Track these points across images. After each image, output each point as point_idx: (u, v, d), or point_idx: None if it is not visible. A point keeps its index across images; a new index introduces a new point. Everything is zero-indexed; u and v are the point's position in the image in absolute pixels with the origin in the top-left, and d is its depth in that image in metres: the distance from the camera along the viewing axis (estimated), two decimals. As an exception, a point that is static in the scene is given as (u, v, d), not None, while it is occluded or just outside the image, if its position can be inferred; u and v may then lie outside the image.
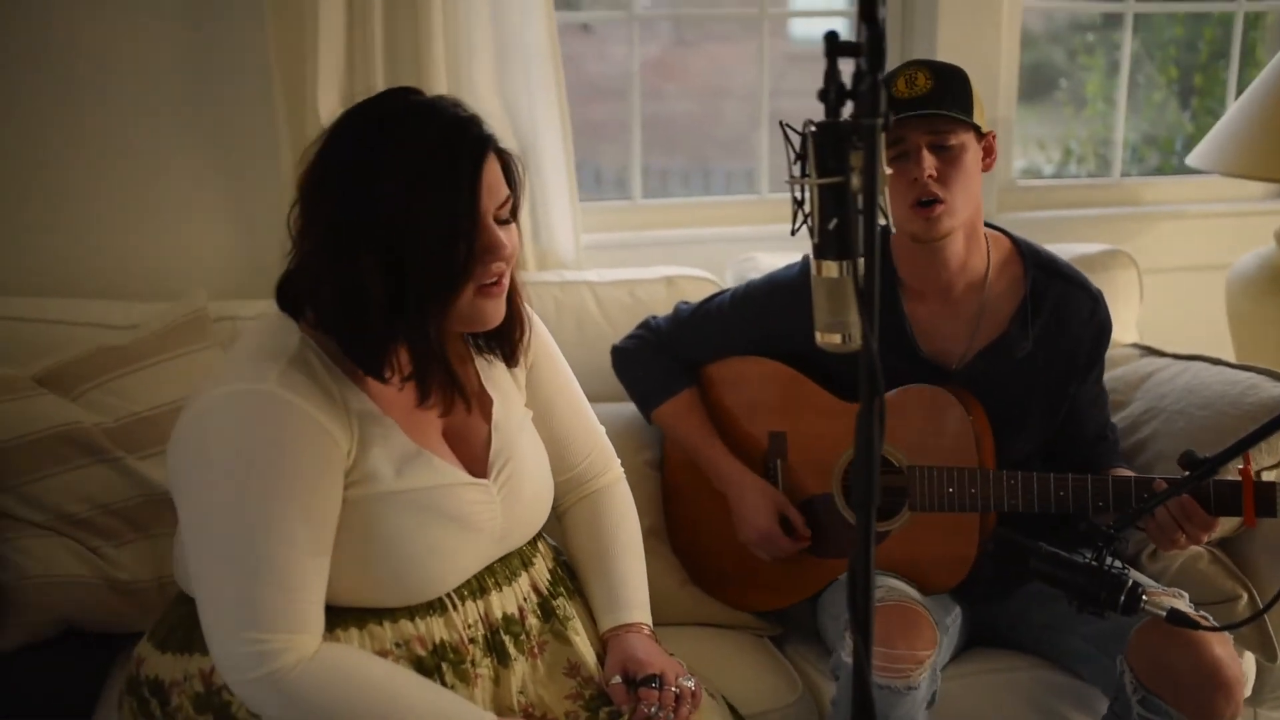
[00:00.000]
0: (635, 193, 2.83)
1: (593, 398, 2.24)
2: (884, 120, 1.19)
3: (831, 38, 1.20)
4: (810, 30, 3.28)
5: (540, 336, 1.75)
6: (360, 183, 1.43)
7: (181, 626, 1.57)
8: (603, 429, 1.87)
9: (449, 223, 1.45)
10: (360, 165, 1.44)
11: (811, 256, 1.27)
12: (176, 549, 1.64)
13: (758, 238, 2.69)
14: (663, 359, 2.19)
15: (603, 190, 3.18)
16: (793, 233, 1.36)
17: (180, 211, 2.48)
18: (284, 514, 1.41)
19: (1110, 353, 2.29)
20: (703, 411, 2.14)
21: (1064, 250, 2.43)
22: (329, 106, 2.31)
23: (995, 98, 2.84)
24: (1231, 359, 2.47)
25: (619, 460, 1.87)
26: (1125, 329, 2.53)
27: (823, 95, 1.24)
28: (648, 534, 2.13)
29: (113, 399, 2.07)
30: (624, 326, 2.31)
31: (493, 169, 1.49)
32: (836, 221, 1.28)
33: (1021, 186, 3.04)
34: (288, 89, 2.36)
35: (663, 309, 2.30)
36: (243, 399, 1.43)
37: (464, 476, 1.56)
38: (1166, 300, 2.89)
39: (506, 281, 1.54)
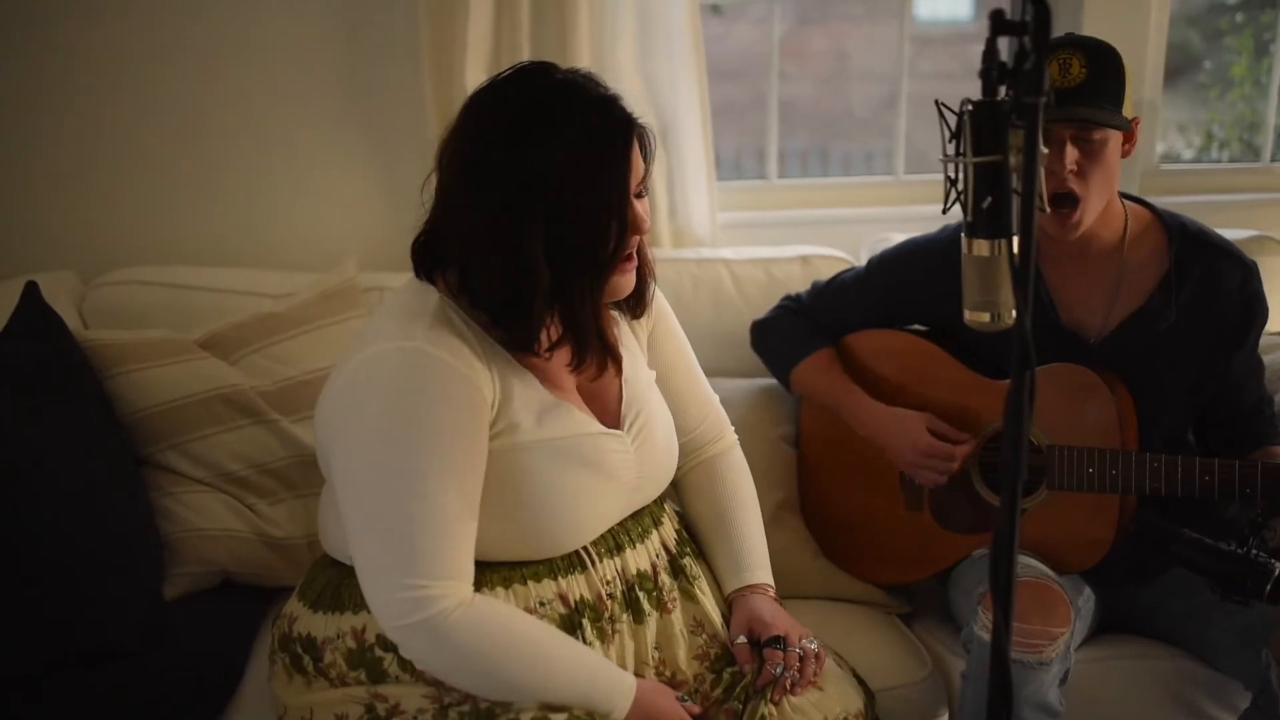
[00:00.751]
0: (771, 173, 2.85)
1: (728, 373, 2.31)
2: (1047, 99, 1.19)
3: (997, 15, 1.21)
4: (934, 11, 3.25)
5: (659, 303, 1.79)
6: (521, 168, 1.46)
7: (330, 587, 1.65)
8: (716, 397, 1.90)
9: (606, 202, 1.49)
10: (519, 149, 1.47)
11: (964, 235, 1.29)
12: (322, 509, 1.73)
13: (892, 219, 2.68)
14: (802, 324, 2.21)
15: (728, 171, 3.20)
16: (944, 210, 1.38)
17: (334, 189, 2.60)
18: (436, 463, 1.47)
19: (1263, 340, 2.25)
20: (840, 366, 2.15)
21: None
22: (476, 85, 2.37)
23: (1142, 80, 2.78)
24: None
25: (733, 428, 1.90)
26: (1275, 317, 2.46)
27: (984, 74, 1.25)
28: (781, 507, 2.17)
29: (269, 363, 2.16)
30: (759, 303, 2.34)
31: (635, 148, 1.53)
32: (991, 200, 1.29)
33: (1165, 170, 2.97)
34: (437, 72, 2.44)
35: (798, 287, 2.32)
36: (392, 356, 1.49)
37: (600, 426, 1.61)
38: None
39: (637, 255, 1.59)
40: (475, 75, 2.38)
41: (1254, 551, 1.56)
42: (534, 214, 1.47)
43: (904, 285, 2.13)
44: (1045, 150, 1.85)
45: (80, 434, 1.89)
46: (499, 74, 1.58)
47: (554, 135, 1.48)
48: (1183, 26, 3.82)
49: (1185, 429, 2.00)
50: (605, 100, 1.53)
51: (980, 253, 1.29)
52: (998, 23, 1.21)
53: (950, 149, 1.32)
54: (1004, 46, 1.24)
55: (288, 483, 2.11)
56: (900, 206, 2.78)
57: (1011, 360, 1.22)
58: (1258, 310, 1.98)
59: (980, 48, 1.25)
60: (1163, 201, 2.80)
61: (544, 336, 1.54)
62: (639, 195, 1.56)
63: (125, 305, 2.30)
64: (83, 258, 2.49)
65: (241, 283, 2.37)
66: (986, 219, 1.28)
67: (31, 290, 2.04)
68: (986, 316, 1.31)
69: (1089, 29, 2.68)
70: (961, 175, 1.30)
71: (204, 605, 1.96)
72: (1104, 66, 1.84)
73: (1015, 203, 1.25)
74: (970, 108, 1.26)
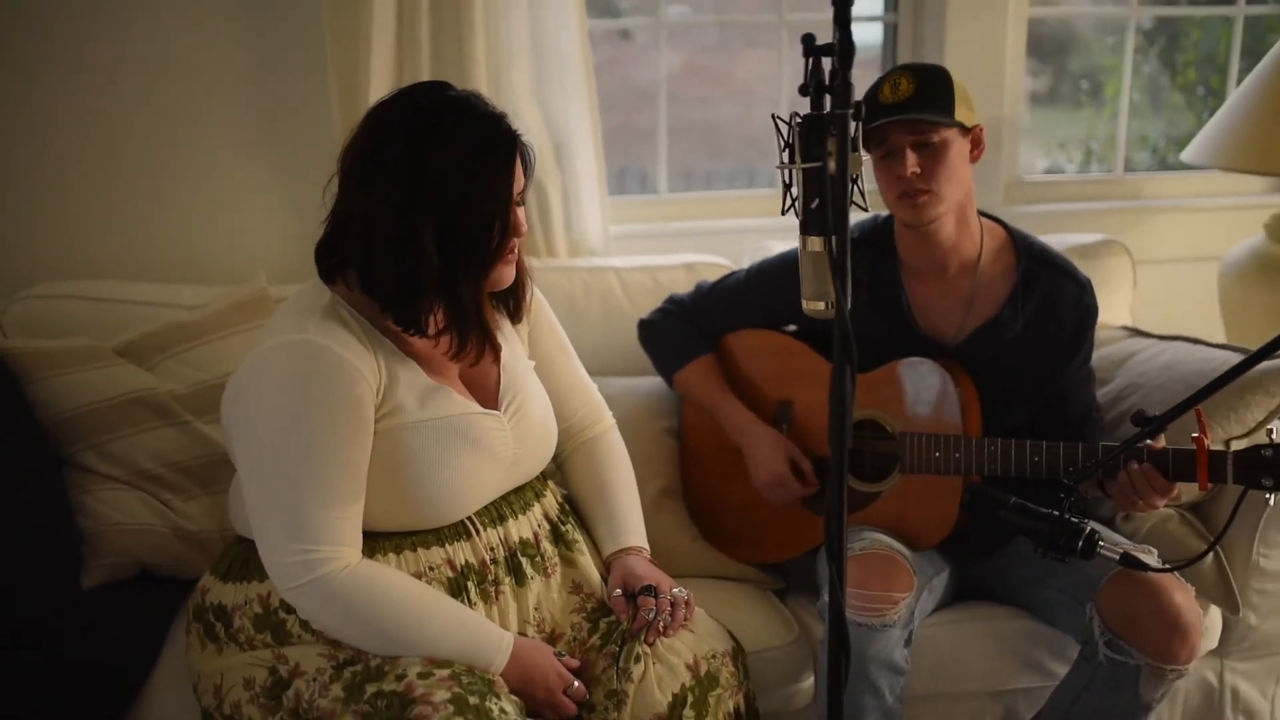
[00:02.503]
0: (661, 187, 3.03)
1: (616, 372, 2.48)
2: (854, 110, 1.38)
3: (808, 40, 1.40)
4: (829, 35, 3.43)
5: (539, 302, 1.98)
6: (419, 169, 1.65)
7: (239, 560, 1.80)
8: (595, 386, 2.08)
9: (491, 204, 1.68)
10: (418, 153, 1.65)
11: (799, 233, 1.46)
12: (232, 494, 1.88)
13: (772, 228, 2.88)
14: (685, 328, 2.39)
15: (648, 190, 3.37)
16: (783, 213, 1.54)
17: (244, 204, 2.74)
18: (324, 441, 1.63)
19: (1100, 334, 2.47)
20: (720, 374, 2.34)
21: (1060, 240, 2.61)
22: (379, 104, 2.53)
23: (1001, 99, 3.01)
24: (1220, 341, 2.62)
25: (610, 413, 2.08)
26: (1118, 313, 2.69)
27: (803, 90, 1.44)
28: (664, 494, 2.35)
29: (183, 368, 2.29)
30: (646, 308, 2.51)
31: (517, 160, 1.72)
32: (817, 202, 1.47)
33: (1027, 181, 3.20)
34: (342, 96, 2.58)
35: (682, 291, 2.50)
36: (286, 347, 1.66)
37: (479, 408, 1.79)
38: (1163, 288, 3.06)
39: (516, 253, 1.77)
40: (379, 88, 2.52)
41: (1068, 514, 1.75)
42: (427, 211, 1.64)
43: (780, 290, 2.32)
44: (884, 152, 2.06)
45: (2, 434, 2.01)
46: (398, 89, 1.76)
47: (448, 143, 1.66)
48: (1075, 49, 4.07)
49: (1025, 430, 2.20)
50: (493, 116, 1.72)
51: (813, 248, 1.46)
52: (809, 46, 1.41)
53: (785, 157, 1.50)
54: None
55: (200, 480, 2.24)
56: (778, 218, 2.96)
57: (834, 339, 1.41)
58: (1089, 325, 2.19)
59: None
60: (1026, 210, 3.05)
61: (431, 321, 1.71)
62: (520, 204, 1.74)
63: (46, 318, 2.40)
64: (1, 274, 2.60)
65: (157, 296, 2.49)
66: (816, 218, 1.46)
67: (-48, 302, 2.16)
68: (821, 305, 1.47)
69: (950, 54, 2.91)
70: (793, 180, 1.48)
71: (121, 595, 2.08)
72: (931, 81, 2.05)
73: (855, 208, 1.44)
74: (799, 121, 1.44)
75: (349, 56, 2.56)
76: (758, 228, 2.93)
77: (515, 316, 1.91)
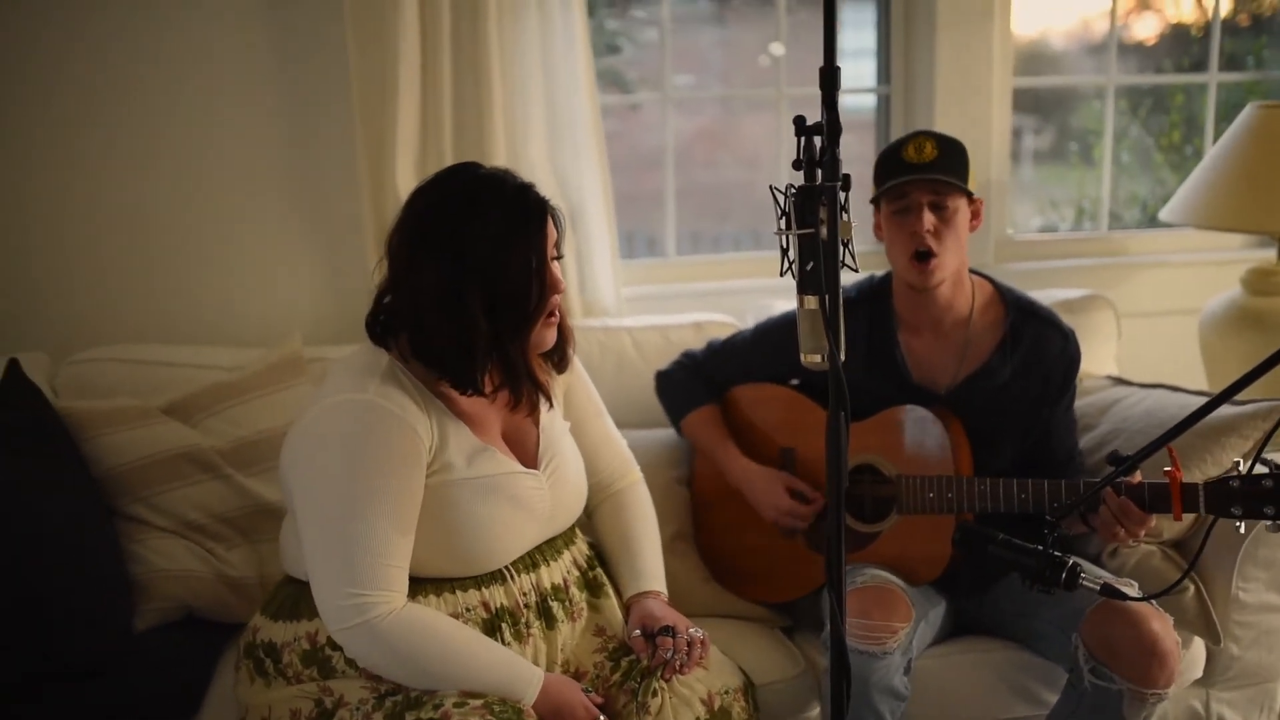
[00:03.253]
0: (670, 250, 3.21)
1: (629, 425, 2.63)
2: (842, 183, 1.55)
3: (800, 121, 1.57)
4: (843, 101, 3.63)
5: (576, 364, 2.13)
6: (460, 245, 1.82)
7: (289, 601, 1.95)
8: (625, 442, 2.23)
9: (528, 268, 1.85)
10: (457, 233, 1.83)
11: (797, 292, 1.62)
12: (283, 538, 2.02)
13: (774, 288, 3.05)
14: (695, 380, 2.56)
15: (656, 252, 3.56)
16: (781, 275, 1.69)
17: (279, 273, 2.92)
18: (379, 494, 1.78)
19: (1086, 383, 2.63)
20: (722, 423, 2.50)
21: (1048, 296, 2.77)
22: (405, 178, 2.73)
23: (989, 163, 3.19)
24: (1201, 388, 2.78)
25: (638, 467, 2.23)
26: (1104, 364, 2.85)
27: (796, 165, 1.61)
28: (676, 538, 2.49)
29: (224, 425, 2.45)
30: (657, 364, 2.67)
31: (549, 223, 1.89)
32: (812, 264, 1.63)
33: (1016, 240, 3.37)
34: (370, 171, 2.78)
35: (692, 347, 2.67)
36: (348, 406, 1.82)
37: (520, 467, 1.94)
38: (1147, 339, 3.21)
39: (558, 313, 1.94)
40: (405, 170, 2.73)
41: (1052, 549, 1.88)
42: (472, 280, 1.82)
43: (781, 348, 2.48)
44: (901, 208, 2.22)
45: (60, 488, 2.17)
46: (434, 173, 1.94)
47: (483, 216, 1.84)
48: (1064, 113, 4.26)
49: (1013, 470, 2.34)
50: (522, 187, 1.90)
51: (810, 306, 1.62)
52: (800, 126, 1.58)
53: (782, 224, 1.66)
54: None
55: (241, 530, 2.39)
56: (779, 279, 3.14)
57: (829, 388, 1.56)
58: (1073, 371, 2.35)
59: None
60: (1016, 268, 3.22)
61: (486, 381, 1.87)
62: (557, 258, 1.92)
63: (93, 380, 2.56)
64: (49, 340, 2.76)
65: (197, 358, 2.66)
66: (811, 279, 1.62)
67: (14, 366, 2.34)
68: (818, 358, 1.61)
69: (939, 125, 3.09)
70: (790, 245, 1.64)
71: (171, 636, 2.23)
72: (952, 150, 2.24)
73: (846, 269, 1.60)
74: (792, 191, 1.60)
75: (377, 135, 2.75)
76: (761, 288, 3.10)
77: (560, 367, 2.07)
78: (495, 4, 2.72)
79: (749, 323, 2.86)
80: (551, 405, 2.02)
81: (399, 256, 1.89)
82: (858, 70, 3.40)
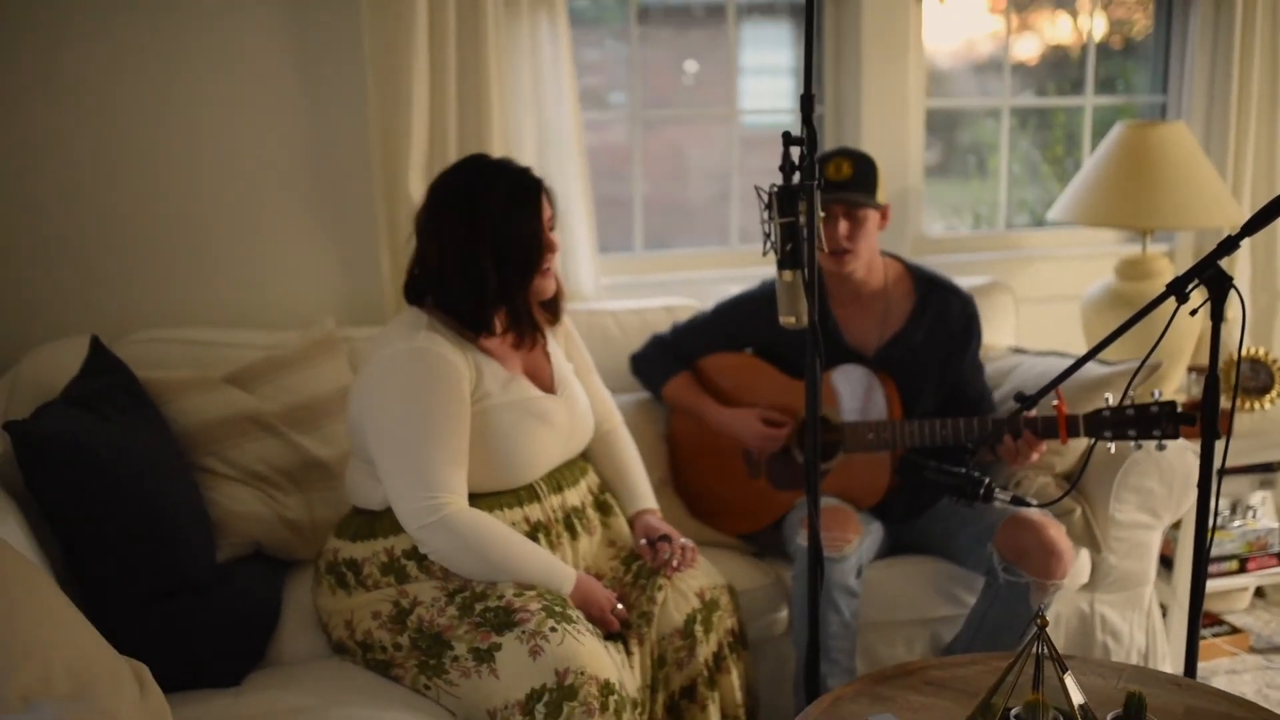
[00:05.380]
0: (638, 246, 3.70)
1: (617, 389, 3.11)
2: (818, 182, 2.05)
3: (786, 135, 2.07)
4: (758, 119, 4.11)
5: (569, 327, 2.64)
6: (475, 214, 2.31)
7: (364, 525, 2.39)
8: (609, 392, 2.74)
9: (529, 229, 2.34)
10: (471, 203, 2.31)
11: (776, 268, 2.10)
12: (351, 477, 2.46)
13: (728, 278, 3.56)
14: (667, 355, 3.06)
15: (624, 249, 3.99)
16: (764, 253, 2.16)
17: (304, 265, 3.32)
18: (442, 417, 2.24)
19: (991, 353, 3.18)
20: (697, 385, 3.01)
21: (959, 284, 3.31)
22: (416, 183, 3.17)
23: (906, 172, 3.74)
24: (1082, 359, 3.34)
25: (620, 414, 2.75)
26: (1005, 339, 3.41)
27: (780, 168, 2.11)
28: (660, 484, 2.98)
29: (278, 393, 2.86)
30: (636, 340, 3.17)
31: (544, 195, 2.38)
32: (790, 246, 2.12)
33: (929, 238, 3.93)
34: (385, 177, 3.20)
35: (663, 327, 3.17)
36: (406, 352, 2.28)
37: (542, 392, 2.42)
38: (1039, 321, 3.79)
39: (553, 267, 2.42)
40: (416, 177, 3.17)
41: (971, 470, 2.40)
42: (484, 241, 2.30)
43: (739, 322, 3.00)
44: (823, 215, 2.74)
45: (155, 440, 2.57)
46: (450, 164, 2.43)
47: (492, 188, 2.33)
48: (964, 130, 4.81)
49: (935, 412, 2.88)
50: (521, 169, 2.40)
51: (786, 279, 2.11)
52: (787, 138, 2.07)
53: (765, 215, 2.15)
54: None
55: (294, 480, 2.79)
56: (732, 269, 3.67)
57: (807, 345, 2.06)
58: (974, 328, 2.90)
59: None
60: (928, 261, 3.75)
61: (496, 323, 2.35)
62: (551, 229, 2.40)
63: (149, 357, 2.91)
64: (94, 324, 3.08)
65: (235, 338, 3.04)
66: (789, 257, 2.11)
67: (96, 341, 2.73)
68: (793, 319, 2.10)
69: (865, 139, 3.63)
70: (772, 231, 2.13)
71: (245, 565, 2.64)
72: (865, 168, 2.76)
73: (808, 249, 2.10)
74: (776, 189, 2.09)
75: (392, 147, 3.18)
76: (715, 277, 3.60)
77: (556, 318, 2.54)
78: (493, 24, 3.15)
79: (709, 305, 3.37)
80: (545, 342, 2.50)
81: (425, 229, 2.37)
82: (774, 87, 3.89)
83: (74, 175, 3.12)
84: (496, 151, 3.22)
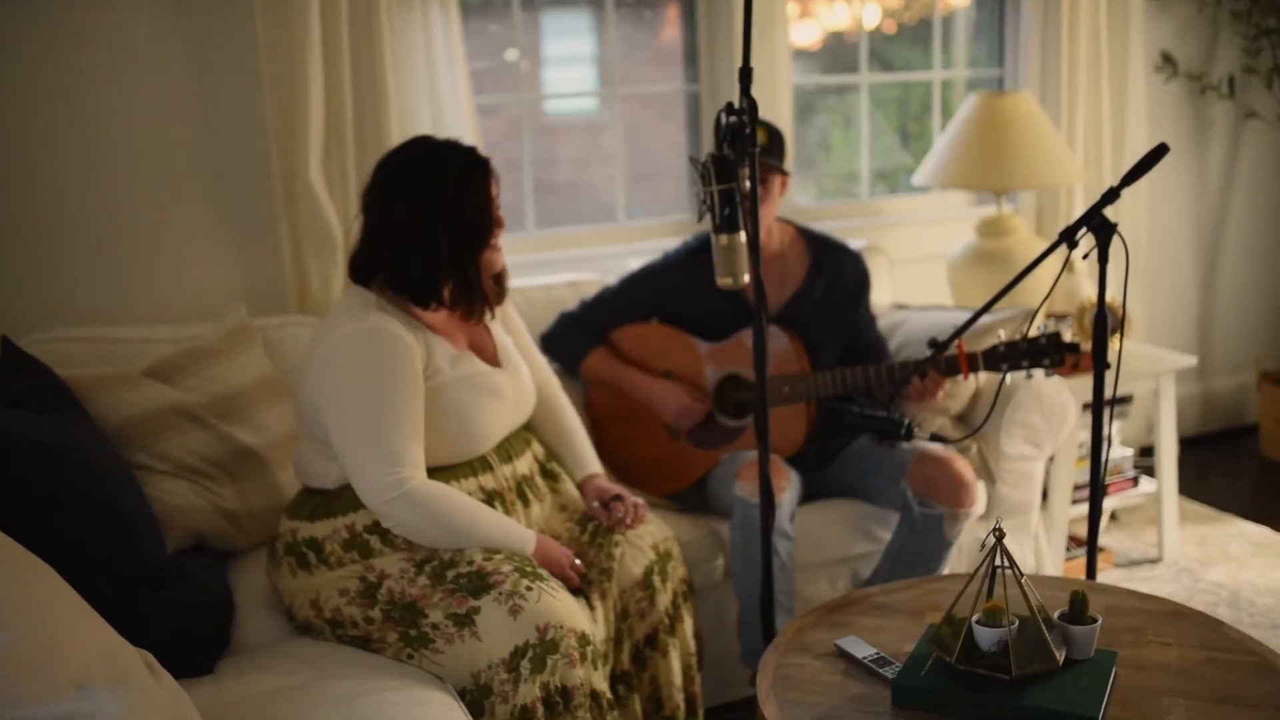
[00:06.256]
0: (530, 225, 3.79)
1: (534, 364, 3.19)
2: (758, 149, 2.20)
3: (729, 106, 2.19)
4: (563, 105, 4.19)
5: (508, 303, 2.72)
6: (426, 189, 2.36)
7: (321, 504, 2.41)
8: (545, 359, 2.85)
9: (479, 201, 2.41)
10: (424, 180, 2.37)
11: (712, 233, 2.23)
12: (300, 458, 2.49)
13: (618, 254, 3.69)
14: (579, 331, 3.16)
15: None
16: (699, 220, 2.29)
17: (205, 257, 3.30)
18: (397, 394, 2.29)
19: (876, 310, 3.40)
20: (614, 356, 3.13)
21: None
22: (315, 170, 3.18)
23: (779, 145, 3.93)
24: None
25: (556, 378, 2.85)
26: (885, 295, 3.65)
27: (716, 137, 2.24)
28: (584, 449, 3.09)
29: (200, 382, 2.84)
30: (546, 315, 3.27)
31: (492, 174, 2.46)
32: (728, 211, 2.25)
33: (805, 207, 4.16)
34: (283, 171, 3.21)
35: (571, 303, 3.27)
36: (359, 332, 2.32)
37: (489, 366, 2.49)
38: (911, 280, 4.06)
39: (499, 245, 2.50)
40: (314, 164, 3.17)
41: (891, 412, 2.60)
42: (437, 216, 2.36)
43: (649, 293, 3.13)
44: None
45: (87, 437, 2.53)
46: (394, 147, 2.47)
47: (444, 164, 2.40)
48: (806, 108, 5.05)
49: (838, 361, 3.08)
50: (471, 148, 2.46)
51: (723, 244, 2.23)
52: (729, 109, 2.20)
53: (702, 183, 2.27)
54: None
55: (227, 471, 2.78)
56: (622, 245, 3.80)
57: (755, 303, 2.20)
58: (866, 281, 3.11)
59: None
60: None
61: (445, 294, 2.41)
62: (498, 206, 2.47)
63: (58, 356, 2.86)
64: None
65: (142, 334, 3.01)
66: (726, 222, 2.24)
67: (7, 342, 2.66)
68: (730, 280, 2.23)
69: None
70: (709, 198, 2.25)
71: (192, 557, 2.63)
72: (777, 136, 2.94)
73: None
74: (715, 157, 2.22)
75: (289, 135, 3.18)
76: (602, 254, 3.74)
77: (502, 295, 2.61)
78: (385, 9, 3.19)
79: (611, 279, 3.49)
80: (494, 316, 2.59)
81: (374, 207, 2.41)
82: (577, 76, 3.99)
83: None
84: (394, 135, 3.27)
